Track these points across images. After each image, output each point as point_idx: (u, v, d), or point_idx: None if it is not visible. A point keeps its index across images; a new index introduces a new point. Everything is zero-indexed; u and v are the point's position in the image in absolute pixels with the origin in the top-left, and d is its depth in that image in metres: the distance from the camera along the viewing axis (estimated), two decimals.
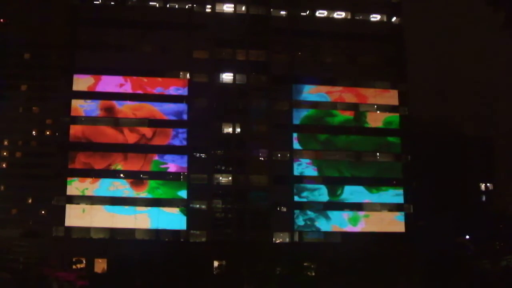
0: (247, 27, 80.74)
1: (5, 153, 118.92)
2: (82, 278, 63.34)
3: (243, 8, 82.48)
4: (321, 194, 78.08)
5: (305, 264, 65.46)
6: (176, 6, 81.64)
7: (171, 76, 79.28)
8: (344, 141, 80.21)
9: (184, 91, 78.52)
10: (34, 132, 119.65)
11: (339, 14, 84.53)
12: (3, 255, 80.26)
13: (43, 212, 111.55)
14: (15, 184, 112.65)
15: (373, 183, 79.05)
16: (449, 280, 55.42)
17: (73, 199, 74.39)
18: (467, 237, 76.93)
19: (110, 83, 77.32)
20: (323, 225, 77.16)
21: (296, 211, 77.07)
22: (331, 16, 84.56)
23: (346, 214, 78.03)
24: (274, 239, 76.46)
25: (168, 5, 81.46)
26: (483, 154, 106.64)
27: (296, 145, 78.77)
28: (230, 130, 79.09)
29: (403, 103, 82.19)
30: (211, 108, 78.55)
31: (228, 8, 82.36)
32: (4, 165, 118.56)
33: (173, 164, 76.32)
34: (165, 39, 79.88)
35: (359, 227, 77.62)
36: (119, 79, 77.57)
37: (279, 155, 79.01)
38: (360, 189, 78.66)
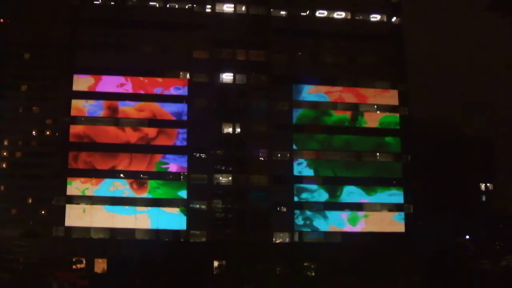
0: (247, 27, 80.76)
1: (5, 153, 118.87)
2: (82, 278, 63.42)
3: (243, 8, 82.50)
4: (321, 194, 78.07)
5: (305, 264, 65.44)
6: (176, 6, 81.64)
7: (171, 76, 79.29)
8: (342, 141, 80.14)
9: (184, 91, 78.54)
10: (34, 132, 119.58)
11: (339, 14, 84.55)
12: (3, 255, 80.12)
13: (43, 212, 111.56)
14: (15, 184, 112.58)
15: (373, 183, 79.03)
16: (449, 280, 55.38)
17: (73, 199, 74.39)
18: (467, 237, 76.95)
19: (110, 83, 77.34)
20: (322, 225, 77.17)
21: (296, 211, 77.08)
22: (331, 16, 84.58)
23: (345, 214, 78.05)
24: (274, 239, 76.47)
25: (168, 5, 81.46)
26: (483, 154, 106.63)
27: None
28: (230, 130, 79.09)
29: (403, 103, 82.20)
30: (211, 108, 78.57)
31: (228, 8, 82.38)
32: (4, 165, 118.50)
33: (174, 164, 76.32)
34: (165, 39, 79.90)
35: (359, 227, 77.63)
36: (119, 79, 77.59)
37: (279, 155, 79.01)
38: (359, 189, 78.64)
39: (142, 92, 77.77)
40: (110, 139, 76.02)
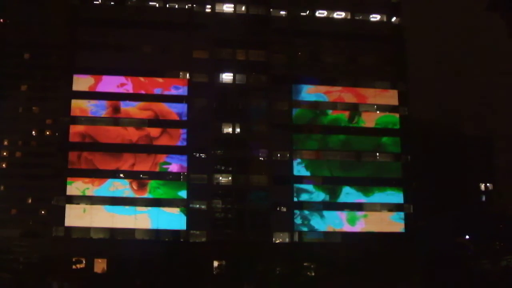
0: (247, 27, 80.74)
1: (5, 153, 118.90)
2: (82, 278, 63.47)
3: (243, 8, 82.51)
4: (321, 194, 78.05)
5: (305, 264, 65.43)
6: (176, 6, 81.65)
7: (171, 76, 79.28)
8: (342, 141, 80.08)
9: (184, 91, 78.52)
10: (34, 132, 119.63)
11: (339, 14, 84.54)
12: (3, 255, 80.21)
13: (43, 212, 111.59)
14: (15, 184, 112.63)
15: (372, 183, 79.02)
16: (449, 280, 55.36)
17: (73, 199, 74.39)
18: (467, 237, 76.90)
19: (110, 83, 77.35)
20: (320, 224, 77.15)
21: (296, 211, 77.09)
22: (331, 16, 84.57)
23: (345, 214, 78.05)
24: (274, 239, 76.47)
25: (168, 5, 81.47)
26: (483, 154, 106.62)
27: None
28: (230, 130, 79.09)
29: (403, 103, 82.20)
30: (211, 108, 78.57)
31: (228, 8, 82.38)
32: (4, 165, 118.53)
33: (176, 164, 76.33)
34: (165, 39, 79.90)
35: (359, 227, 77.63)
36: (119, 79, 77.59)
37: (279, 155, 79.01)
38: (359, 189, 78.62)
39: (142, 92, 77.72)
40: (111, 139, 76.00)
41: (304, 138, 79.60)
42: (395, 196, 79.38)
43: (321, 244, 74.56)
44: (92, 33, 78.17)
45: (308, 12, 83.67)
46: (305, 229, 76.95)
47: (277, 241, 76.73)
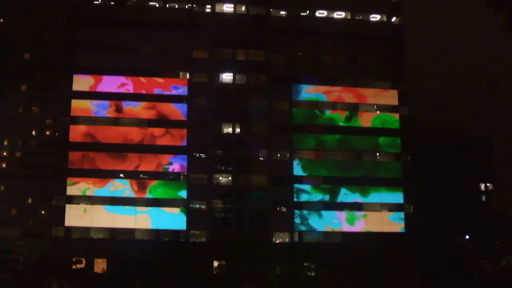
0: (247, 27, 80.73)
1: (5, 153, 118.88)
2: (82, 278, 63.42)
3: (243, 8, 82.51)
4: (321, 194, 78.05)
5: (305, 264, 65.42)
6: (176, 6, 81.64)
7: (171, 76, 79.27)
8: (341, 141, 80.00)
9: (184, 91, 78.50)
10: (34, 132, 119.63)
11: (339, 14, 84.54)
12: (3, 255, 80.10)
13: (43, 212, 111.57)
14: (15, 184, 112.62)
15: (372, 183, 79.02)
16: (449, 280, 55.36)
17: (73, 199, 74.38)
18: (467, 237, 76.88)
19: (110, 83, 77.34)
20: (319, 224, 77.13)
21: (296, 211, 77.09)
22: (331, 16, 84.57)
23: (344, 214, 78.05)
24: (274, 239, 76.46)
25: (168, 5, 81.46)
26: (483, 154, 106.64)
27: None
28: (230, 130, 79.08)
29: (403, 103, 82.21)
30: (211, 108, 78.57)
31: (228, 8, 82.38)
32: (4, 165, 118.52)
33: (177, 164, 76.35)
34: (165, 39, 79.91)
35: (359, 227, 77.61)
36: (119, 79, 77.58)
37: (279, 155, 79.01)
38: (359, 189, 78.61)
39: (143, 92, 77.68)
40: (111, 139, 75.95)
41: (304, 138, 79.56)
42: (395, 196, 79.35)
43: (321, 244, 74.56)
44: (92, 33, 78.13)
45: (308, 12, 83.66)
46: (304, 228, 76.92)
47: (277, 241, 76.72)
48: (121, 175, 75.85)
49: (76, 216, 73.52)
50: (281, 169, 77.78)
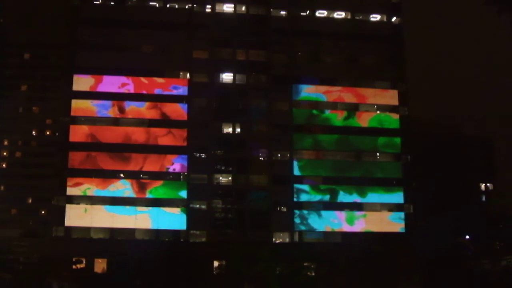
0: (247, 27, 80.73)
1: (5, 153, 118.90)
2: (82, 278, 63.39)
3: (243, 8, 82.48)
4: (321, 194, 78.04)
5: (305, 264, 65.41)
6: (176, 6, 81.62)
7: (171, 76, 79.26)
8: (338, 141, 79.94)
9: (184, 91, 78.50)
10: (34, 132, 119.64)
11: (339, 14, 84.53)
12: (3, 255, 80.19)
13: (43, 212, 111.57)
14: (15, 184, 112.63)
15: (372, 183, 79.02)
16: (449, 280, 55.37)
17: (73, 199, 74.38)
18: (467, 237, 76.94)
19: (111, 83, 77.31)
20: (318, 223, 77.12)
21: (296, 211, 77.10)
22: (331, 16, 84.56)
23: (344, 214, 78.04)
24: (274, 239, 76.46)
25: (168, 5, 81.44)
26: (483, 154, 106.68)
27: None
28: (230, 130, 79.08)
29: (403, 103, 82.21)
30: (211, 108, 78.57)
31: (228, 8, 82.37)
32: (4, 165, 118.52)
33: (177, 164, 76.38)
34: (165, 39, 79.87)
35: (359, 227, 77.60)
36: (120, 79, 77.55)
37: (279, 155, 79.01)
38: (359, 189, 78.61)
39: (144, 92, 77.66)
40: (112, 140, 75.93)
41: (304, 138, 79.54)
42: (397, 196, 79.33)
43: (321, 244, 74.56)
44: (92, 33, 78.12)
45: (308, 12, 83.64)
46: (303, 228, 76.90)
47: (277, 241, 76.73)
48: (121, 175, 75.83)
49: (76, 216, 73.50)
50: (281, 169, 77.77)
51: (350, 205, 78.37)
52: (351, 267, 59.33)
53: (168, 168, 76.07)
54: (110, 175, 75.33)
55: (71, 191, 74.16)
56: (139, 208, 74.36)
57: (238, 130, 79.06)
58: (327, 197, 78.00)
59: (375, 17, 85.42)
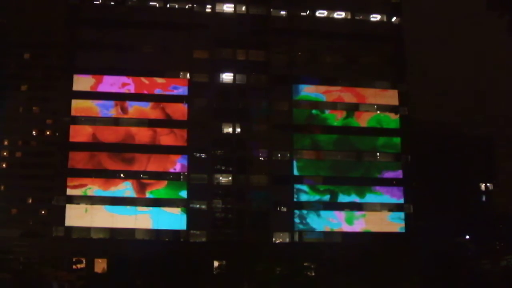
0: (247, 27, 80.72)
1: (5, 153, 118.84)
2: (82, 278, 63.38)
3: (243, 8, 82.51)
4: (321, 194, 78.04)
5: (305, 264, 65.43)
6: (176, 6, 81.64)
7: (171, 76, 79.28)
8: (338, 141, 79.92)
9: (184, 91, 78.50)
10: (34, 132, 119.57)
11: (339, 14, 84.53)
12: (3, 255, 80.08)
13: (43, 212, 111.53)
14: (15, 184, 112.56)
15: (372, 183, 79.01)
16: (449, 280, 55.37)
17: (73, 199, 74.38)
18: (467, 237, 77.02)
19: (111, 83, 77.31)
20: (319, 224, 77.12)
21: (296, 211, 77.11)
22: (331, 16, 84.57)
23: (344, 214, 78.03)
24: (274, 239, 76.48)
25: (168, 5, 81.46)
26: (483, 154, 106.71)
27: None
28: (230, 130, 79.10)
29: (403, 103, 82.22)
30: (211, 108, 78.58)
31: (228, 8, 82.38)
32: (4, 165, 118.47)
33: (178, 164, 76.41)
34: (165, 39, 79.89)
35: (359, 227, 77.61)
36: (120, 79, 77.54)
37: (279, 155, 79.01)
38: (358, 189, 78.60)
39: (145, 92, 77.63)
40: (112, 140, 75.93)
41: (304, 138, 79.53)
42: (397, 196, 79.28)
43: (321, 244, 74.58)
44: (92, 33, 78.15)
45: (308, 12, 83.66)
46: (302, 227, 76.89)
47: (277, 241, 76.74)
48: (122, 175, 75.83)
49: (77, 216, 73.51)
50: (281, 169, 77.78)
51: (350, 205, 78.36)
52: (351, 267, 59.35)
53: (175, 169, 75.97)
54: (110, 175, 75.34)
55: (71, 191, 74.14)
56: (139, 208, 74.38)
57: (238, 130, 79.08)
58: (327, 197, 78.06)
59: (375, 17, 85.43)
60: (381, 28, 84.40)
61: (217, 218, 76.90)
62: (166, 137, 77.07)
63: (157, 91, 77.91)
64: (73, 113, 76.36)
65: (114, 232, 73.51)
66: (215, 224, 75.95)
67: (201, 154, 77.66)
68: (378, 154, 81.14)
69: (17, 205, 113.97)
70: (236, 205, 76.84)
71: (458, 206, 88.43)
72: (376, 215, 78.51)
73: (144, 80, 77.95)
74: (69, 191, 74.09)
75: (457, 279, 55.23)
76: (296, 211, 77.06)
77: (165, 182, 75.90)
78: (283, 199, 77.33)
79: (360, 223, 77.96)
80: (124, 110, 77.11)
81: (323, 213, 77.45)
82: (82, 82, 76.94)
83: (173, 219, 74.68)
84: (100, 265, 72.86)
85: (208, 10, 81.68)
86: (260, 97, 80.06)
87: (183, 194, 75.58)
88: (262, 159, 79.07)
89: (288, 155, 78.62)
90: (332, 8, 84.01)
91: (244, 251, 62.69)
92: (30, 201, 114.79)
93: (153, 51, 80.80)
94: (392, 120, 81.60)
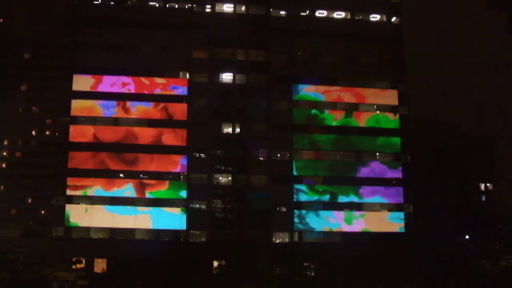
0: (247, 27, 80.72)
1: (5, 153, 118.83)
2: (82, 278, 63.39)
3: (243, 8, 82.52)
4: (321, 194, 78.03)
5: (304, 264, 65.44)
6: (176, 6, 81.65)
7: (171, 76, 79.28)
8: (338, 140, 79.88)
9: (184, 91, 78.48)
10: (34, 132, 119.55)
11: (339, 14, 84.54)
12: (3, 255, 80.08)
13: (43, 212, 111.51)
14: (15, 184, 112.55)
15: (372, 183, 78.98)
16: (449, 280, 55.39)
17: (73, 199, 74.37)
18: (467, 237, 76.98)
19: (111, 83, 77.30)
20: (318, 224, 77.11)
21: (296, 211, 77.10)
22: (331, 16, 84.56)
23: (343, 214, 78.01)
24: (274, 239, 76.47)
25: (168, 5, 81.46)
26: (483, 154, 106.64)
27: None
28: (230, 130, 79.10)
29: (403, 103, 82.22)
30: (211, 108, 78.58)
31: (228, 8, 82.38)
32: (4, 165, 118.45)
33: (179, 164, 76.41)
34: (165, 39, 79.91)
35: (359, 227, 77.60)
36: (120, 79, 77.52)
37: (279, 155, 79.01)
38: (358, 189, 78.60)
39: (146, 92, 77.62)
40: (112, 139, 75.92)
41: (303, 138, 79.51)
42: (397, 196, 79.26)
43: (320, 244, 74.58)
44: (92, 33, 78.14)
45: (308, 12, 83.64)
46: (302, 227, 76.88)
47: (277, 241, 76.74)
48: (121, 175, 75.81)
49: (76, 216, 73.50)
50: (281, 169, 77.78)
51: (350, 205, 78.35)
52: (350, 267, 59.35)
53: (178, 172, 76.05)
54: (110, 175, 75.32)
55: (71, 192, 74.11)
56: (139, 208, 74.38)
57: (238, 130, 79.07)
58: (326, 197, 78.05)
59: (375, 17, 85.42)
60: (381, 28, 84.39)
61: (217, 218, 76.89)
62: (166, 137, 76.99)
63: (157, 91, 77.89)
64: (73, 113, 76.35)
65: (114, 232, 73.49)
66: (215, 224, 75.93)
67: (201, 154, 77.66)
68: (377, 154, 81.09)
69: (17, 205, 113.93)
70: (235, 205, 76.84)
71: (458, 206, 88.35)
72: (376, 215, 78.53)
73: (144, 80, 77.96)
74: (69, 192, 74.05)
75: (457, 279, 55.24)
76: (296, 211, 77.08)
77: (166, 183, 75.87)
78: (282, 199, 77.32)
79: (360, 223, 77.96)
80: (126, 110, 77.11)
81: (322, 213, 77.49)
82: (82, 82, 76.94)
83: (173, 219, 74.69)
84: (100, 265, 72.88)
85: (207, 10, 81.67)
86: (260, 97, 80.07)
87: (183, 194, 75.59)
88: (262, 159, 79.07)
89: (288, 155, 78.60)
90: (332, 8, 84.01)
91: (243, 251, 62.69)
92: (30, 201, 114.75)
93: (153, 51, 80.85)
94: (391, 120, 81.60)
